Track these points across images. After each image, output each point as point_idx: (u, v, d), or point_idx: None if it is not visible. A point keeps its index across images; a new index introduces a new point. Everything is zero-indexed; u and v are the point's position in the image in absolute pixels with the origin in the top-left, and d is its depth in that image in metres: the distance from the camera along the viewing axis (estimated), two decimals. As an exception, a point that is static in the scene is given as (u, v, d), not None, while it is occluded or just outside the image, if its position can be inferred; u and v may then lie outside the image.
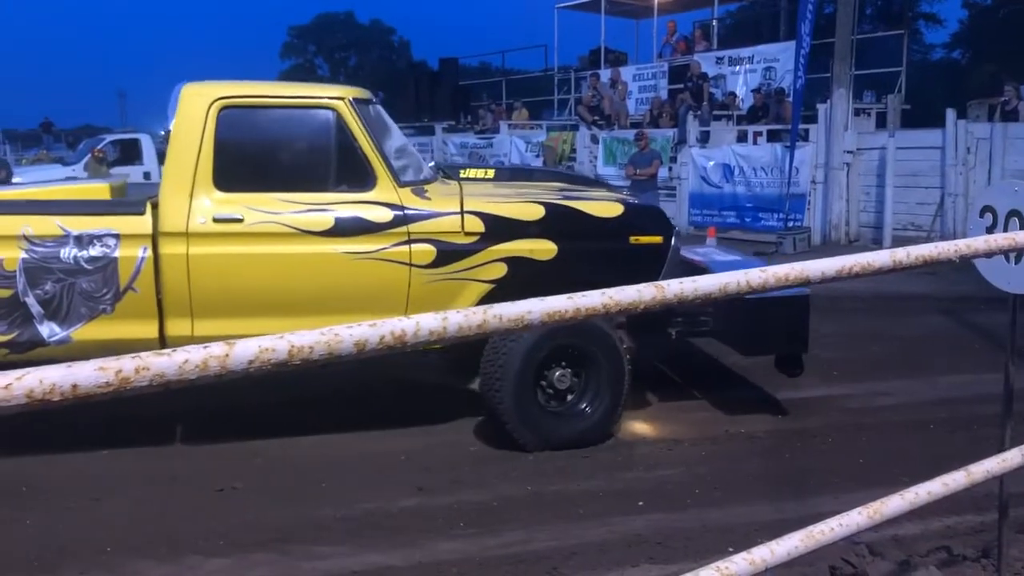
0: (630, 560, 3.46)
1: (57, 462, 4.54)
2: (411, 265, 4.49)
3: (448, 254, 4.53)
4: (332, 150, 4.54)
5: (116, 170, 15.43)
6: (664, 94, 16.18)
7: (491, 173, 5.87)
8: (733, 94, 15.04)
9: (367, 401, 5.53)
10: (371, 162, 4.52)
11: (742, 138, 14.08)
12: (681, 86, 15.76)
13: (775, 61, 14.87)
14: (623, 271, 4.65)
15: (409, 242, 4.48)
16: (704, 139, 14.27)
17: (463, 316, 1.37)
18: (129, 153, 17.55)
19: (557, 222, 4.67)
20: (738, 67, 15.58)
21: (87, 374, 1.09)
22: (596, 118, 16.37)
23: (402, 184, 4.56)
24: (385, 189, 4.51)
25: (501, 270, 4.58)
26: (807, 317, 4.89)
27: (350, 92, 4.67)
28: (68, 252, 4.19)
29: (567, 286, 5.06)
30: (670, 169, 14.37)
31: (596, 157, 15.97)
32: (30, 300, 4.21)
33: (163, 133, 22.84)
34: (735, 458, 4.58)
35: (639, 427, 5.04)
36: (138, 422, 5.06)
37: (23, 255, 4.16)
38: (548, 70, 20.94)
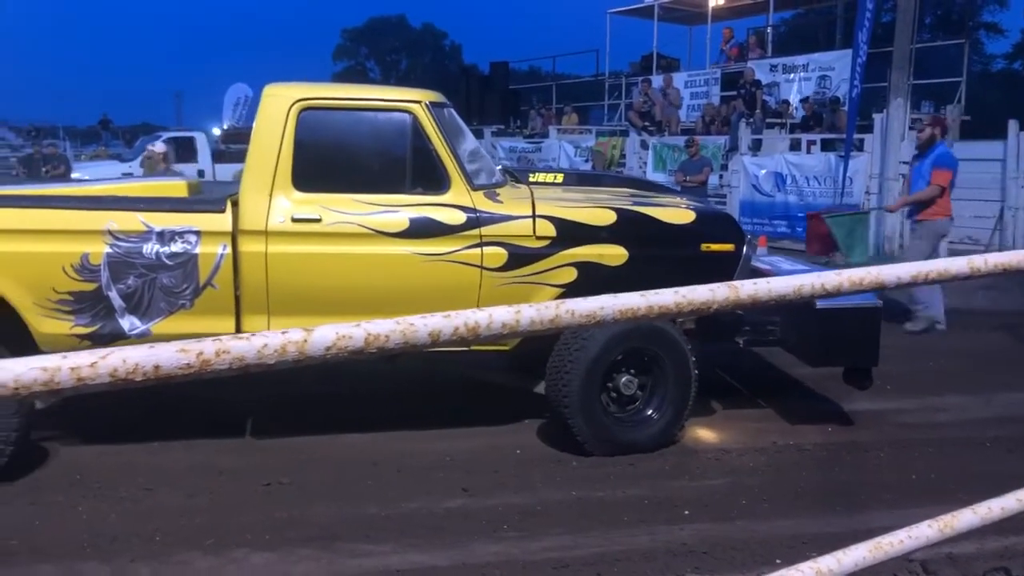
0: (675, 569, 3.47)
1: (110, 453, 4.66)
2: (482, 268, 4.53)
3: (519, 257, 4.56)
4: (408, 152, 4.60)
5: (172, 167, 15.68)
6: (717, 101, 16.11)
7: (560, 178, 5.90)
8: (786, 102, 14.93)
9: (412, 401, 5.60)
10: (445, 165, 4.57)
11: (795, 147, 13.96)
12: (734, 93, 15.68)
13: (830, 69, 14.75)
14: (694, 278, 4.68)
15: (481, 245, 4.52)
16: (756, 147, 14.17)
17: (535, 310, 1.37)
18: (185, 151, 17.86)
19: (628, 228, 4.68)
20: (792, 75, 15.47)
21: (169, 355, 1.10)
22: (647, 124, 16.34)
23: (475, 187, 4.61)
24: (458, 192, 4.56)
25: (571, 275, 4.61)
26: (878, 329, 4.84)
27: (426, 96, 4.72)
28: (150, 248, 4.29)
29: (636, 291, 5.10)
30: (721, 177, 14.29)
31: (646, 163, 15.93)
32: (113, 294, 4.31)
33: (220, 131, 23.18)
34: (783, 469, 4.56)
35: (690, 434, 5.02)
36: (188, 416, 5.21)
37: (108, 250, 4.26)
38: (599, 75, 20.95)
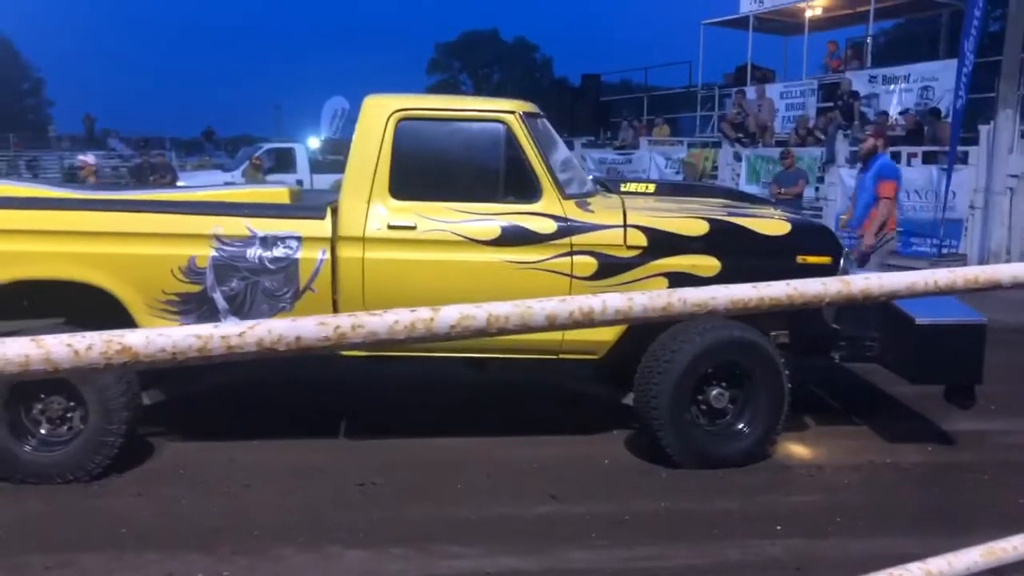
0: None
1: (212, 449, 4.84)
2: (572, 276, 4.55)
3: (609, 267, 4.57)
4: (501, 162, 4.66)
5: (271, 177, 16.19)
6: (813, 112, 15.78)
7: (652, 187, 5.88)
8: (885, 113, 14.52)
9: (501, 408, 5.65)
10: (537, 174, 4.61)
11: (895, 159, 13.55)
12: (831, 105, 15.34)
13: (933, 80, 14.29)
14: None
15: (571, 254, 4.55)
16: (854, 159, 13.81)
17: (648, 298, 1.38)
18: (284, 161, 18.41)
19: (721, 239, 4.64)
20: (893, 86, 15.04)
21: (310, 328, 1.15)
22: (740, 135, 16.12)
23: (566, 196, 4.64)
24: (550, 201, 4.60)
25: (662, 285, 4.59)
26: (983, 346, 4.67)
27: (520, 106, 4.78)
28: (254, 252, 4.45)
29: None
30: (817, 189, 13.99)
31: (739, 175, 15.72)
32: (217, 296, 4.49)
33: (320, 142, 23.80)
34: (881, 488, 4.43)
35: (781, 449, 4.94)
36: (286, 416, 5.38)
37: (213, 253, 4.44)
38: (691, 87, 20.77)
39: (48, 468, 4.31)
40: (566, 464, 4.67)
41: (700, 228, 4.65)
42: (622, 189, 5.58)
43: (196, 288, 4.47)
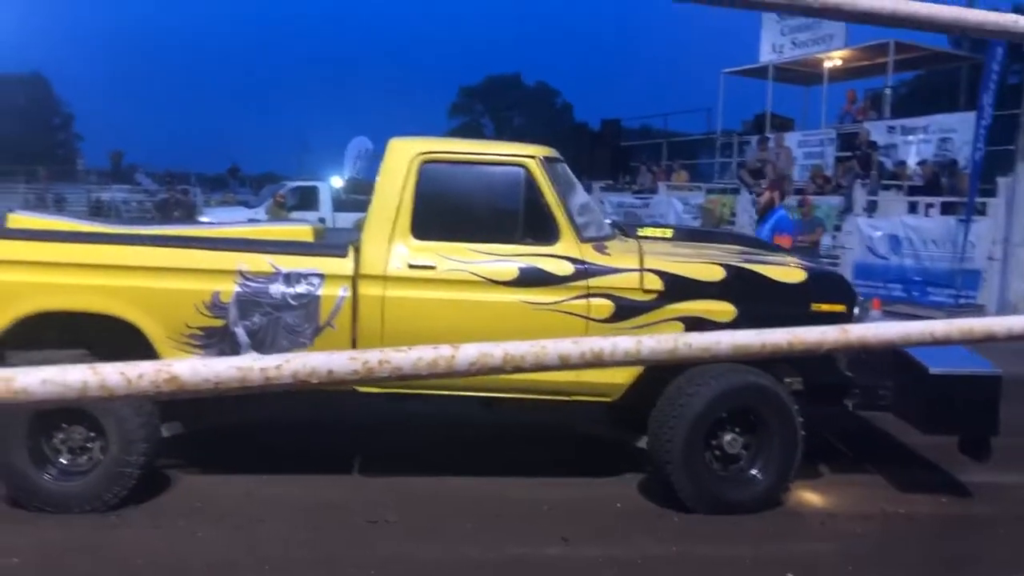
0: None
1: (229, 483, 4.89)
2: (588, 319, 4.61)
3: (626, 310, 4.62)
4: (521, 204, 4.74)
5: (295, 215, 16.39)
6: (831, 161, 15.87)
7: (669, 232, 5.95)
8: (904, 163, 14.59)
9: (515, 448, 5.68)
10: (556, 217, 4.69)
11: (913, 209, 13.60)
12: (849, 154, 15.43)
13: (952, 132, 14.37)
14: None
15: (588, 296, 4.61)
16: (871, 208, 13.87)
17: (656, 341, 1.44)
18: (307, 199, 18.64)
19: (737, 284, 4.69)
20: (911, 136, 15.13)
21: (342, 362, 1.21)
22: (758, 182, 16.20)
23: (584, 239, 4.71)
24: (568, 243, 4.67)
25: (678, 329, 4.63)
26: (997, 398, 4.67)
27: (540, 151, 4.88)
28: (277, 288, 4.54)
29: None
30: (834, 238, 14.02)
31: (756, 221, 15.77)
32: (239, 330, 4.57)
33: (342, 181, 24.07)
34: (892, 538, 4.42)
35: (794, 496, 4.93)
36: (302, 452, 5.42)
37: (237, 289, 4.53)
38: (711, 134, 20.94)
39: (67, 498, 4.37)
40: (578, 506, 4.69)
41: (716, 273, 4.70)
42: (639, 233, 5.65)
43: (219, 322, 4.55)
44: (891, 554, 4.20)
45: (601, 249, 4.75)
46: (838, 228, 14.06)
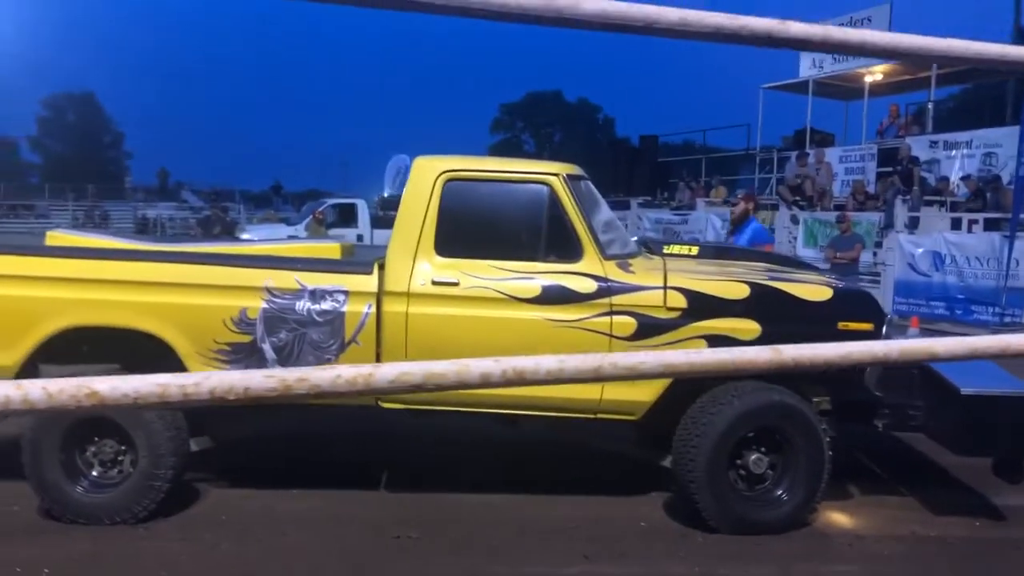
0: None
1: (254, 497, 4.95)
2: (611, 336, 4.60)
3: (649, 327, 4.60)
4: (544, 222, 4.76)
5: (333, 231, 16.56)
6: (872, 177, 15.68)
7: (695, 250, 5.92)
8: (946, 179, 14.36)
9: (540, 466, 5.67)
10: (579, 235, 4.70)
11: (955, 225, 13.36)
12: (890, 170, 15.22)
13: (997, 146, 14.12)
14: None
15: (611, 313, 4.60)
16: (913, 225, 13.65)
17: (580, 360, 1.42)
18: (346, 216, 18.83)
19: (762, 303, 4.65)
20: (954, 151, 14.88)
21: (258, 380, 1.21)
22: (797, 198, 16.06)
23: (607, 257, 4.71)
24: (591, 261, 4.67)
25: (702, 347, 4.60)
26: (1032, 418, 4.57)
27: (564, 169, 4.90)
28: (303, 305, 4.60)
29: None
30: (875, 254, 13.82)
31: (795, 238, 15.62)
32: (266, 346, 4.63)
33: (377, 199, 24.31)
34: (923, 561, 4.32)
35: (822, 517, 4.86)
36: (328, 468, 5.47)
37: (264, 305, 4.59)
38: (750, 150, 20.79)
39: (97, 509, 4.45)
40: (601, 525, 4.66)
41: (741, 292, 4.66)
42: (665, 251, 5.63)
43: (247, 338, 4.61)
44: None
45: (625, 267, 4.74)
46: (879, 245, 13.86)
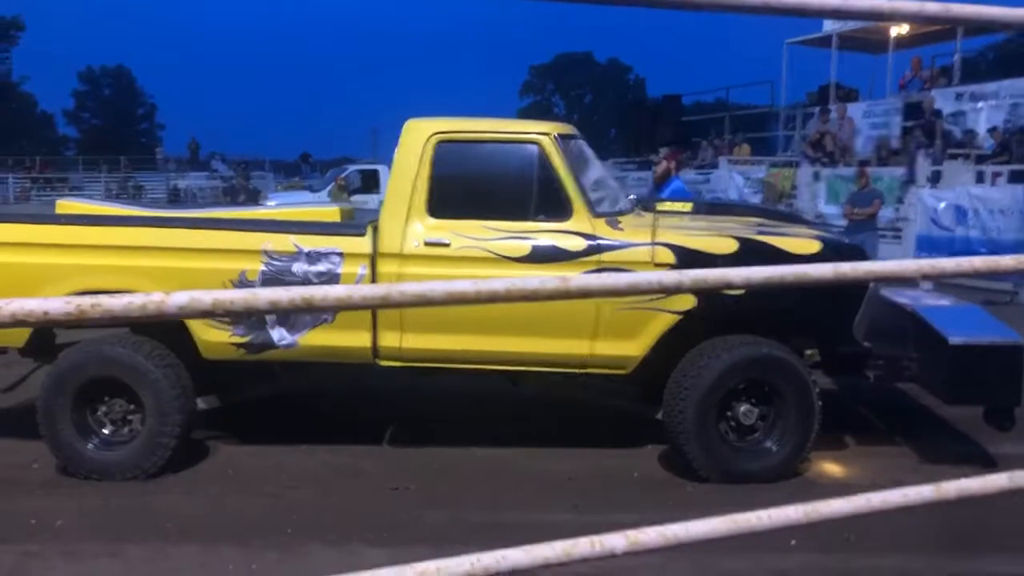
0: None
1: (262, 453, 5.13)
2: (602, 293, 4.66)
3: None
4: (534, 182, 4.82)
5: (356, 198, 16.71)
6: (897, 131, 15.44)
7: (689, 207, 5.96)
8: (972, 132, 14.11)
9: (541, 421, 5.79)
10: (569, 194, 4.76)
11: (979, 178, 13.15)
12: (913, 124, 15.00)
13: (1023, 97, 13.84)
14: (817, 309, 4.66)
15: (600, 271, 4.66)
16: (936, 179, 13.47)
17: (369, 289, 1.48)
18: (369, 182, 18.97)
19: (750, 257, 4.68)
20: (981, 103, 14.61)
21: (58, 305, 1.30)
22: (820, 155, 15.89)
23: (597, 215, 4.77)
24: (581, 219, 4.74)
25: (691, 302, 4.66)
26: (1020, 366, 4.58)
27: (554, 128, 4.95)
28: (299, 267, 4.73)
29: (758, 321, 5.01)
30: (897, 210, 13.67)
31: (818, 195, 15.49)
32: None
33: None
34: (907, 507, 4.37)
35: (830, 467, 4.94)
36: (335, 424, 5.64)
37: (263, 267, 4.73)
38: (773, 106, 20.55)
39: (108, 466, 4.66)
40: (596, 476, 4.78)
41: (729, 246, 4.71)
42: (658, 208, 5.67)
43: (247, 300, 4.75)
44: (901, 522, 4.14)
45: (614, 224, 4.80)
46: (900, 200, 13.70)
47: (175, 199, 27.99)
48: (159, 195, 29.74)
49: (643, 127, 20.85)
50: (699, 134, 21.15)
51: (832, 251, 4.82)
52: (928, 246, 13.19)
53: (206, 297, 1.39)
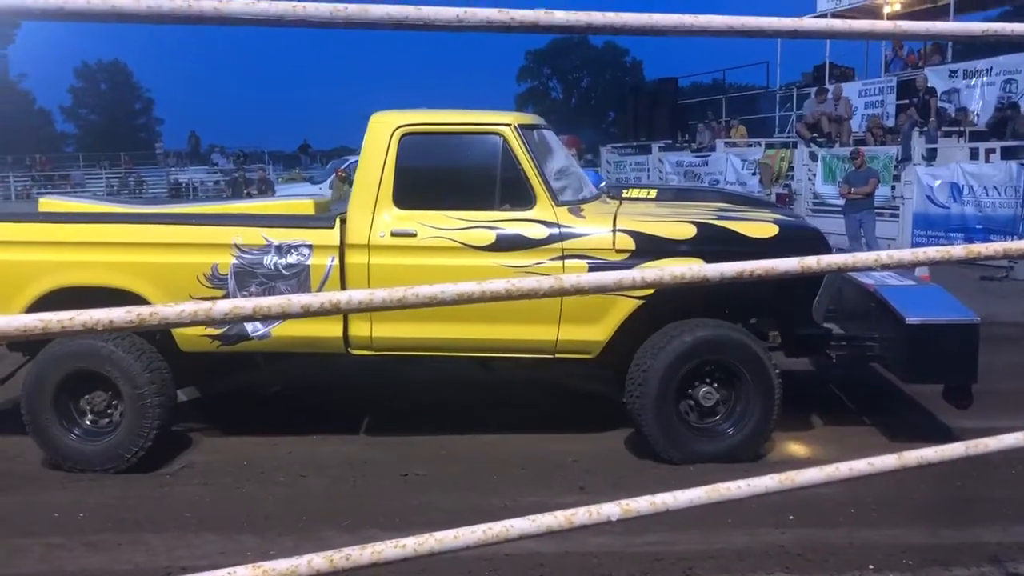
0: (764, 567, 3.59)
1: (275, 443, 5.24)
2: (565, 279, 4.76)
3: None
4: (497, 171, 4.91)
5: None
6: (892, 110, 15.43)
7: (653, 193, 6.04)
8: (965, 109, 14.09)
9: (546, 406, 5.91)
10: (532, 183, 4.85)
11: (974, 156, 13.15)
12: (907, 102, 14.98)
13: (1016, 73, 13.80)
14: (776, 292, 4.74)
15: (563, 258, 4.76)
16: (931, 157, 13.47)
17: (387, 293, 1.67)
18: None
19: (708, 241, 4.76)
20: (974, 80, 14.58)
21: (120, 316, 1.49)
22: (815, 135, 15.89)
23: (559, 203, 4.86)
24: (543, 208, 4.83)
25: (651, 287, 4.74)
26: (975, 346, 4.66)
27: (517, 119, 5.04)
28: (270, 259, 4.84)
29: (718, 304, 5.09)
30: (893, 188, 13.69)
31: (815, 175, 15.50)
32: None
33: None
34: (900, 482, 4.45)
35: (796, 447, 5.03)
36: (348, 415, 5.74)
37: (234, 261, 4.84)
38: (769, 87, 20.51)
39: (89, 456, 4.79)
40: (599, 459, 4.89)
41: (687, 232, 4.79)
42: (624, 195, 5.75)
43: (219, 293, 4.87)
44: (896, 495, 4.20)
45: (576, 212, 4.90)
46: (897, 178, 13.72)
47: (176, 194, 28.11)
48: (160, 190, 29.83)
49: (640, 112, 20.84)
50: (696, 117, 21.10)
51: (789, 234, 4.90)
52: (925, 223, 13.22)
53: (247, 304, 1.56)
